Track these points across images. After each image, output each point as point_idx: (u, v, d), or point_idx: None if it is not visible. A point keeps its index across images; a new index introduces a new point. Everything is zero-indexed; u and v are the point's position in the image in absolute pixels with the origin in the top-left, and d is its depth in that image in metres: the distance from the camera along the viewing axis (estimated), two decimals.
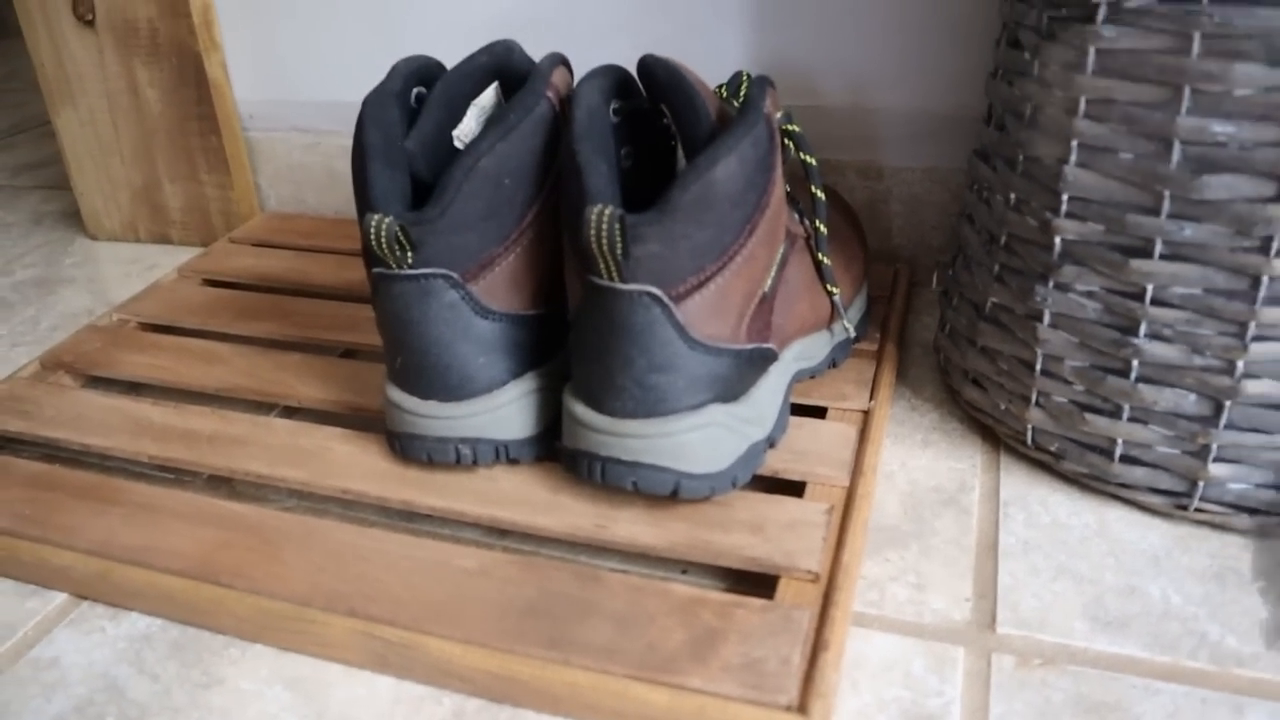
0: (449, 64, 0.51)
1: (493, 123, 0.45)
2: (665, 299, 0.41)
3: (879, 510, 0.49)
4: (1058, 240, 0.46)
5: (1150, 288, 0.43)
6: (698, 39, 0.70)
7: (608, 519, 0.46)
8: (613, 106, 0.46)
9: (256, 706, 0.41)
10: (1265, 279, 0.41)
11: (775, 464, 0.49)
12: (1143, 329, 0.44)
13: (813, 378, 0.55)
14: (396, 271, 0.44)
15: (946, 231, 0.70)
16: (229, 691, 0.41)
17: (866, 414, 0.53)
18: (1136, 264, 0.43)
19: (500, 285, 0.46)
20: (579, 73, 0.61)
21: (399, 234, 0.43)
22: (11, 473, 0.52)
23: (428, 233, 0.43)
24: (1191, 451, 0.45)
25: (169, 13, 0.77)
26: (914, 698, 0.40)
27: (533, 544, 0.49)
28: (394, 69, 0.48)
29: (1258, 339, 0.42)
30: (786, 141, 0.48)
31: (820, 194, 0.51)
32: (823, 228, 0.51)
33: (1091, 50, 0.42)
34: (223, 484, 0.54)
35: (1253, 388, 0.43)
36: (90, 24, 0.79)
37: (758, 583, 0.43)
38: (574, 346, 0.44)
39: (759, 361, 0.46)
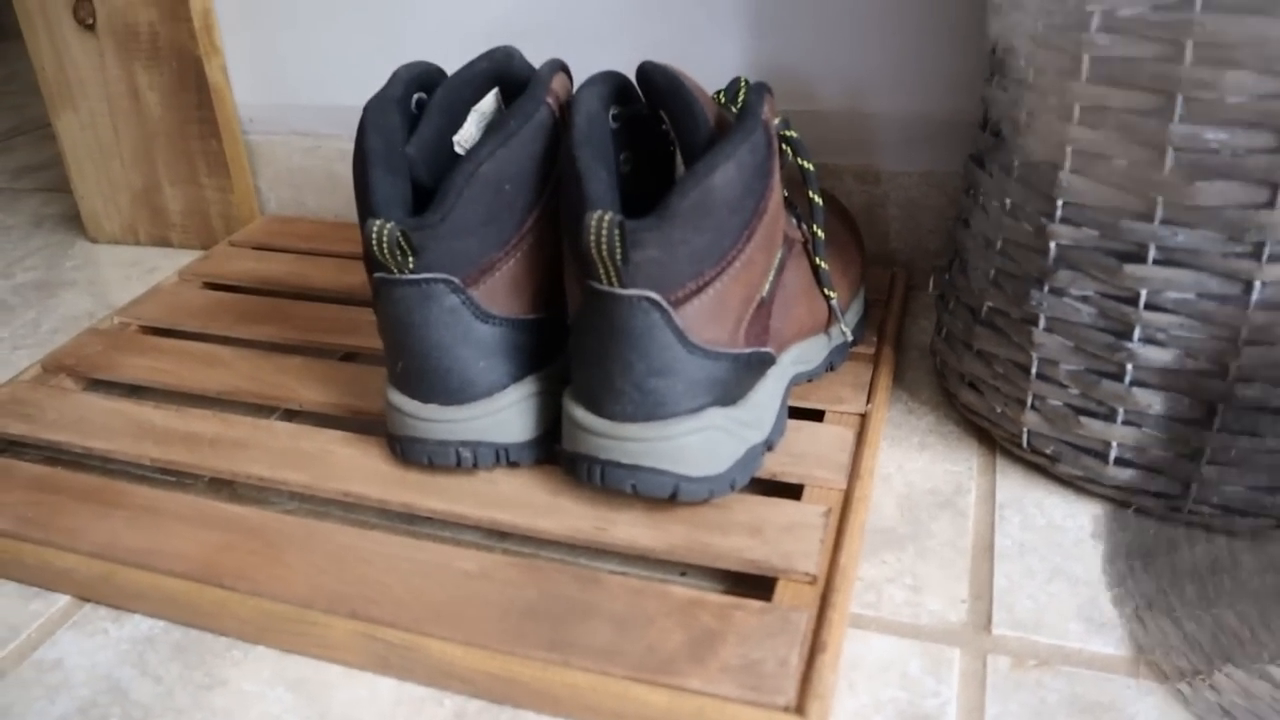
0: (449, 69, 0.51)
1: (493, 128, 0.46)
2: (664, 304, 0.41)
3: (876, 513, 0.50)
4: (1053, 245, 0.46)
5: (1144, 292, 0.44)
6: (696, 44, 0.71)
7: (607, 521, 0.46)
8: (612, 112, 0.46)
9: (259, 708, 0.41)
10: (1257, 284, 0.41)
11: (773, 467, 0.49)
12: (1137, 333, 0.45)
13: (810, 381, 0.56)
14: (398, 276, 0.45)
15: (943, 236, 0.71)
16: (232, 693, 0.42)
17: (863, 417, 0.53)
18: (1130, 269, 0.44)
19: (500, 290, 0.47)
20: (578, 79, 0.62)
21: (400, 239, 0.43)
22: (14, 475, 0.52)
23: (429, 238, 0.44)
24: (1185, 454, 0.46)
25: (170, 17, 0.78)
26: (910, 698, 0.40)
27: (533, 546, 0.49)
28: (395, 75, 0.48)
29: (1250, 343, 0.42)
30: (784, 147, 0.49)
31: (818, 199, 0.51)
32: (820, 232, 0.52)
33: (1086, 57, 0.42)
34: (224, 487, 0.54)
35: (1245, 391, 0.43)
36: (91, 28, 0.80)
37: (756, 585, 0.44)
38: (573, 351, 0.45)
39: (757, 365, 0.46)
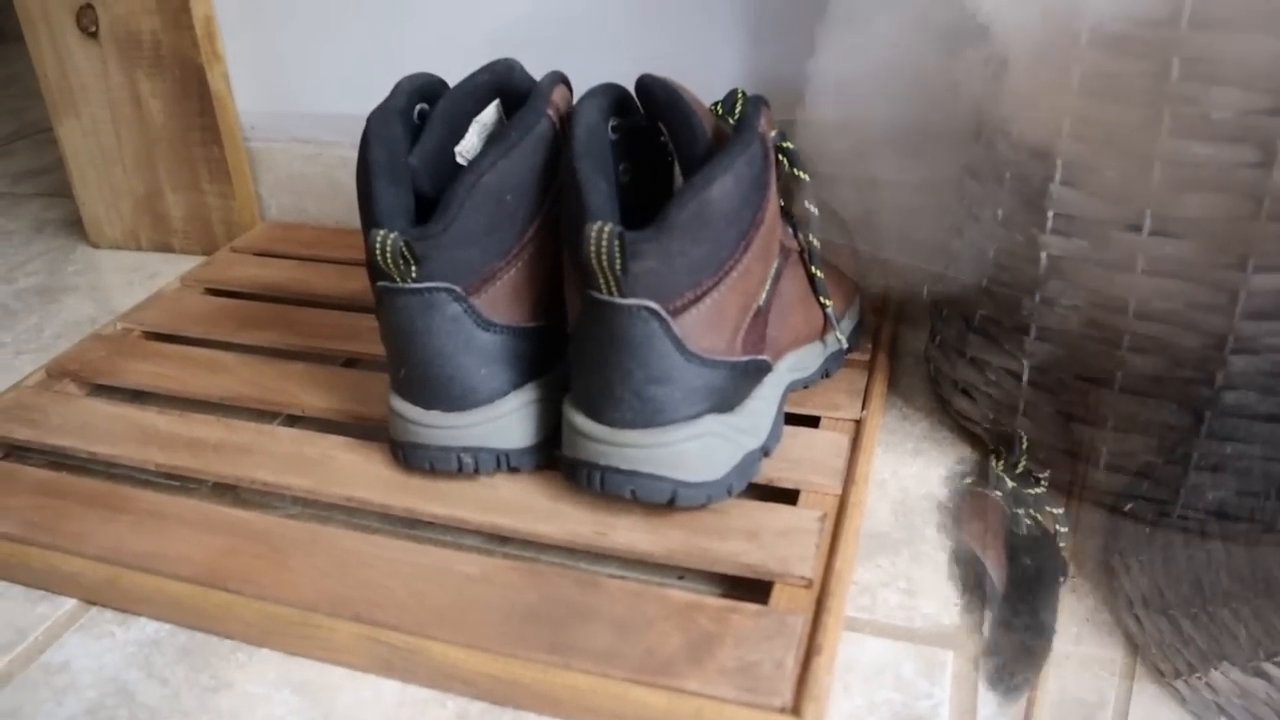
0: (450, 80, 0.52)
1: (494, 140, 0.46)
2: (663, 313, 0.42)
3: (871, 517, 0.50)
4: (1044, 255, 0.47)
5: (1133, 302, 0.45)
6: (695, 56, 0.71)
7: (607, 526, 0.47)
8: (611, 124, 0.47)
9: (264, 710, 0.42)
10: (1243, 294, 0.42)
11: (770, 472, 0.50)
12: (1126, 342, 0.45)
13: (806, 388, 0.57)
14: (400, 285, 0.45)
15: (937, 245, 0.71)
16: (237, 695, 0.42)
17: (859, 423, 0.54)
18: (1120, 279, 0.44)
19: (502, 298, 0.47)
20: (578, 90, 0.62)
21: (403, 249, 0.44)
22: (20, 480, 0.53)
23: (431, 247, 0.44)
24: (1173, 460, 0.46)
25: (172, 25, 0.78)
26: (904, 700, 0.41)
27: (533, 550, 0.50)
28: (397, 86, 0.49)
29: (1236, 351, 0.43)
30: (780, 158, 0.50)
31: (813, 209, 0.52)
32: (815, 242, 0.53)
33: (1076, 72, 0.43)
34: (228, 491, 0.55)
35: (1231, 398, 0.44)
36: (94, 36, 0.80)
37: (753, 588, 0.44)
38: (573, 358, 0.45)
39: (754, 373, 0.47)
